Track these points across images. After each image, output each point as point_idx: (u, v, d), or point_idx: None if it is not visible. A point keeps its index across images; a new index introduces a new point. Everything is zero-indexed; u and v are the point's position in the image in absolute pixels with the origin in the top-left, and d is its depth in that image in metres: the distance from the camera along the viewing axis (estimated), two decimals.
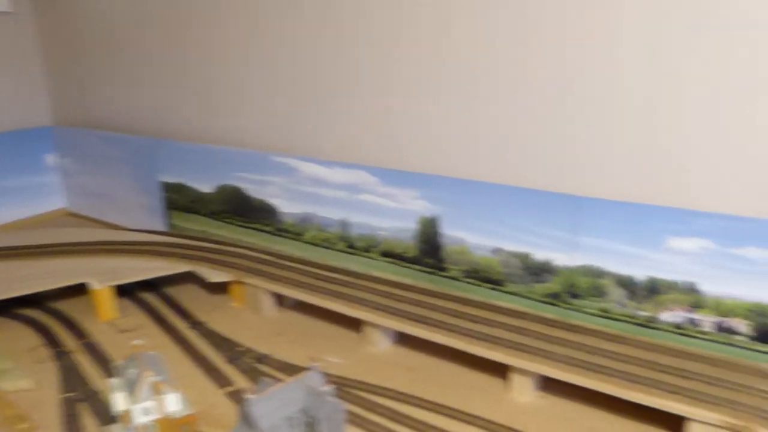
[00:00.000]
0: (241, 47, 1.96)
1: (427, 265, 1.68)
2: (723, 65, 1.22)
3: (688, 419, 1.15)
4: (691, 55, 1.25)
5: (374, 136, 1.75)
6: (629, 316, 1.40)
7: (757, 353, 1.27)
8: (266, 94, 1.95)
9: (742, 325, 1.28)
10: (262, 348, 1.57)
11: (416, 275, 1.71)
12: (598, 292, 1.43)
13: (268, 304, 1.76)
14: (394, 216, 1.71)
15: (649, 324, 1.38)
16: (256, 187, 1.97)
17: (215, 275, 1.78)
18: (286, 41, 1.84)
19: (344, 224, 1.81)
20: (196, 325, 1.70)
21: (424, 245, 1.68)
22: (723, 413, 1.13)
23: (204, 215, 2.12)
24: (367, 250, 1.79)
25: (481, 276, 1.60)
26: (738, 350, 1.29)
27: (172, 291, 1.91)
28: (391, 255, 1.74)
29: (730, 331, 1.30)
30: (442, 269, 1.66)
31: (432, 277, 1.68)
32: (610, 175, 1.39)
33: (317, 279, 1.74)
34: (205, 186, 2.09)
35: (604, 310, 1.43)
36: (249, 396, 1.11)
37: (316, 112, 1.85)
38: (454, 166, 1.61)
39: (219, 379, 1.44)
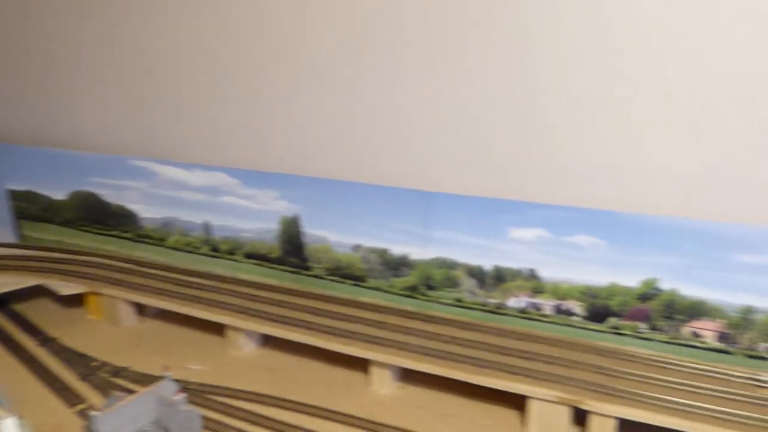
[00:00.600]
0: (90, 43, 1.86)
1: (291, 264, 1.69)
2: (550, 64, 1.32)
3: (530, 397, 1.24)
4: (525, 51, 1.33)
5: (233, 137, 1.72)
6: (480, 305, 1.49)
7: (590, 331, 1.39)
8: (119, 95, 1.87)
9: (576, 307, 1.40)
10: (120, 361, 1.51)
11: (281, 275, 1.71)
12: (452, 283, 1.50)
13: (127, 314, 1.69)
14: (256, 217, 1.70)
15: (498, 311, 1.47)
16: (114, 193, 1.88)
17: (67, 287, 1.68)
18: (138, 39, 1.77)
19: (207, 227, 1.78)
20: (46, 342, 1.60)
21: (287, 245, 1.68)
22: (559, 390, 1.22)
23: (58, 224, 1.99)
24: (231, 252, 1.76)
25: (344, 273, 1.62)
26: (574, 330, 1.41)
27: (21, 307, 1.78)
28: (255, 256, 1.73)
29: (567, 313, 1.41)
30: (306, 268, 1.67)
31: (296, 276, 1.69)
32: (457, 170, 1.46)
33: (179, 285, 1.69)
34: (58, 193, 1.96)
35: (458, 300, 1.51)
36: (94, 413, 1.07)
37: (174, 113, 1.80)
38: (312, 165, 1.62)
39: (70, 397, 1.37)
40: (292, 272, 1.69)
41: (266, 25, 1.58)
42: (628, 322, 1.35)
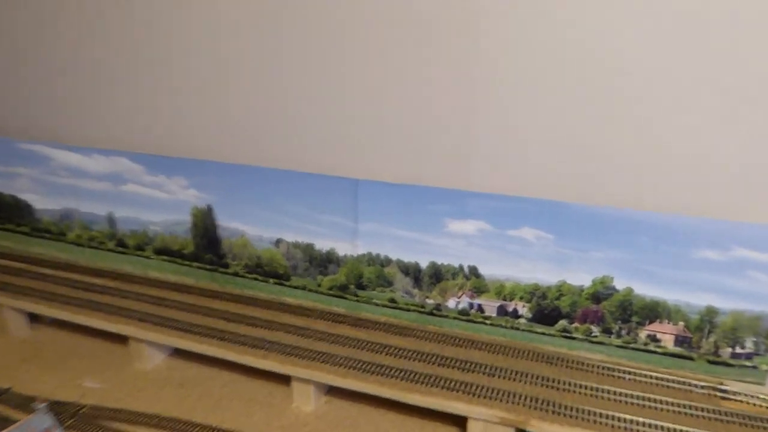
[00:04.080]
0: None
1: (207, 261, 1.49)
2: (494, 41, 1.13)
3: (469, 417, 1.09)
4: (483, 37, 1.15)
5: (135, 119, 1.50)
6: (417, 305, 1.32)
7: (536, 335, 1.24)
8: (4, 72, 1.61)
9: (522, 308, 1.25)
10: (3, 380, 1.30)
11: (197, 273, 1.51)
12: (385, 282, 1.33)
13: (17, 323, 1.47)
14: (165, 208, 1.49)
15: (436, 312, 1.31)
16: (2, 181, 1.64)
17: None
18: (27, 13, 1.52)
19: (111, 220, 1.56)
20: None
21: (201, 240, 1.48)
22: (500, 408, 1.06)
23: None
24: (140, 248, 1.55)
25: (265, 270, 1.44)
26: (520, 333, 1.26)
27: None
28: (167, 252, 1.53)
29: (512, 315, 1.26)
30: (224, 265, 1.48)
31: (213, 274, 1.49)
32: (388, 156, 1.27)
33: (77, 288, 1.48)
34: None
35: (392, 301, 1.34)
36: None
37: (70, 91, 1.56)
38: (225, 150, 1.41)
39: None
40: (209, 270, 1.49)
41: (178, 10, 1.35)
42: (579, 325, 1.21)
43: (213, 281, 1.49)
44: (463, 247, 1.24)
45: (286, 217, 1.38)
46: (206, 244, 1.48)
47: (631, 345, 1.18)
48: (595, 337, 1.20)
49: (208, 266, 1.49)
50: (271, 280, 1.44)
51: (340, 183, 1.29)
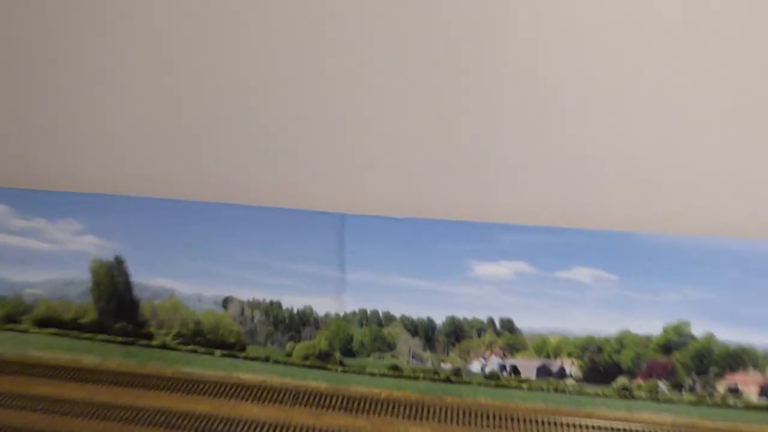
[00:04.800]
0: None
1: (119, 332, 1.07)
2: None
3: None
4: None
5: None
6: (430, 372, 1.00)
7: (588, 397, 0.98)
8: None
9: (570, 366, 0.97)
10: None
11: (104, 349, 1.07)
12: (384, 345, 1.00)
13: None
14: (48, 263, 1.03)
15: (455, 379, 1.00)
16: None
17: None
18: None
19: None
20: None
21: (107, 304, 1.05)
22: None
23: None
24: (13, 319, 1.09)
25: (208, 340, 1.04)
26: (565, 396, 0.98)
27: None
28: (55, 323, 1.08)
29: (557, 375, 0.98)
30: (145, 336, 1.06)
31: (129, 348, 1.07)
32: (385, 180, 0.93)
33: None
34: None
35: (395, 368, 1.01)
36: None
37: None
38: (136, 177, 0.99)
39: None
40: (122, 343, 1.07)
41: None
42: (643, 382, 0.96)
43: (129, 358, 1.07)
44: (494, 295, 0.93)
45: (236, 269, 0.99)
46: (116, 309, 1.05)
47: (707, 400, 0.95)
48: (663, 394, 0.96)
49: (120, 338, 1.06)
50: (218, 352, 1.05)
51: (320, 219, 0.93)
